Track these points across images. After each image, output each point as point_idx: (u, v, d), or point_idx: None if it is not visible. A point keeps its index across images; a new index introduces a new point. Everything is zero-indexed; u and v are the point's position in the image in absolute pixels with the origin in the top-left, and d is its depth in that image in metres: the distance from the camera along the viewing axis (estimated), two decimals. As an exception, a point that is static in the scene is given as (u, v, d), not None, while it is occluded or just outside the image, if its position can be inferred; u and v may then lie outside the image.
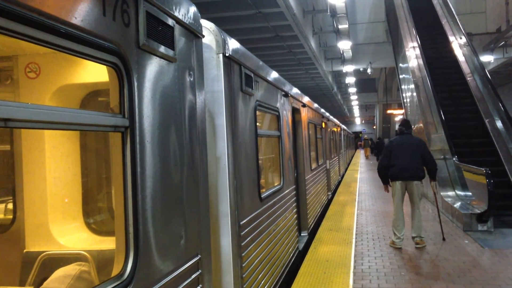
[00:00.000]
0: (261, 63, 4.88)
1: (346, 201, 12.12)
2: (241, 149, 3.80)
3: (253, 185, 4.17)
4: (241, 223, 3.66)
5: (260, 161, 4.84)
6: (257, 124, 4.39)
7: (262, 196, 4.47)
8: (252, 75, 4.20)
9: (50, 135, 2.96)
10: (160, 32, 2.33)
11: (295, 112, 7.32)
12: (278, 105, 5.57)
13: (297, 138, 7.68)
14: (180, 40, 2.59)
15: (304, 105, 8.07)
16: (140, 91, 2.12)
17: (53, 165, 2.98)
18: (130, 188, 2.02)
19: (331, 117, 16.00)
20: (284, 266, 5.46)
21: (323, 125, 12.08)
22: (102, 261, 2.86)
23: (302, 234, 7.68)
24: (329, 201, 12.13)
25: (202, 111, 2.93)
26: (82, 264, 2.72)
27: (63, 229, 3.04)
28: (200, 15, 3.19)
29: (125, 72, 2.01)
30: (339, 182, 17.42)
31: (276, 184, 5.68)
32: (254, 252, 4.05)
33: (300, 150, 7.76)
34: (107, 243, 2.97)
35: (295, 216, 6.52)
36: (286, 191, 5.85)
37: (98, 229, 3.20)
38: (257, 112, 4.43)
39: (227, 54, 3.47)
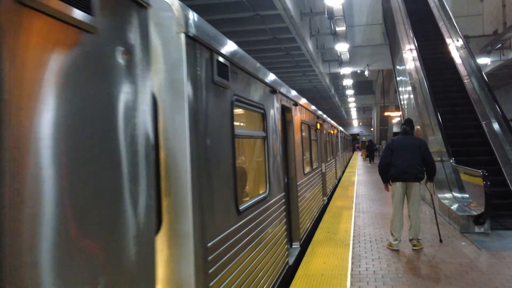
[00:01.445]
0: (241, 52, 4.16)
1: (343, 206, 11.55)
2: (211, 152, 3.11)
3: (228, 196, 3.47)
4: (209, 244, 2.95)
5: (238, 167, 4.26)
6: (235, 122, 3.74)
7: (241, 208, 3.74)
8: (228, 64, 3.55)
9: None
10: None
11: (285, 111, 6.75)
12: (263, 102, 4.91)
13: (288, 139, 6.98)
14: (106, 4, 1.86)
15: (296, 104, 7.45)
16: (19, 67, 1.38)
17: None
18: None
19: (327, 118, 15.35)
20: (271, 287, 4.79)
21: (318, 126, 11.43)
22: None
23: (293, 246, 6.97)
24: (325, 206, 11.64)
25: (148, 105, 2.19)
26: None
27: None
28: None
29: None
30: (336, 186, 16.76)
31: (260, 193, 4.87)
32: (229, 278, 3.33)
33: (292, 153, 7.02)
34: None
35: (285, 227, 5.83)
36: (273, 200, 5.14)
37: None
38: (235, 109, 3.77)
39: (191, 35, 2.81)
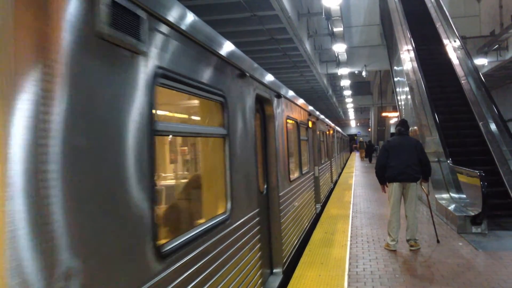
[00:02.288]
0: (183, 8, 2.84)
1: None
2: (89, 158, 1.79)
3: (135, 233, 2.09)
4: None
5: (170, 179, 3.24)
6: (160, 111, 2.55)
7: (166, 249, 2.36)
8: (143, 15, 2.22)
9: None
10: None
11: (264, 103, 5.51)
12: (222, 87, 3.50)
13: (268, 139, 5.65)
14: None
15: (279, 96, 6.05)
16: None
17: None
18: None
19: (322, 116, 13.75)
20: None
21: (310, 124, 10.05)
22: None
23: (274, 272, 5.64)
24: (319, 215, 10.41)
25: None
26: None
27: None
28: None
29: None
30: (332, 190, 15.58)
31: (215, 216, 3.37)
32: None
33: (272, 156, 5.65)
34: None
35: (259, 253, 4.47)
36: (238, 223, 3.76)
37: None
38: (160, 90, 2.42)
39: None
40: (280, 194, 5.90)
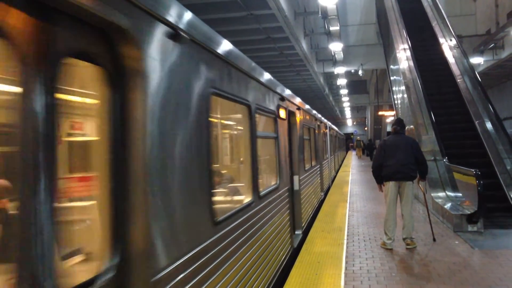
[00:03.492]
0: None
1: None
2: None
3: None
4: None
5: None
6: None
7: None
8: None
9: None
10: None
11: (115, 42, 2.02)
12: None
13: (128, 136, 2.08)
14: None
15: (175, 34, 2.53)
16: None
17: None
18: None
19: (308, 107, 10.24)
20: None
21: (284, 114, 6.55)
22: None
23: None
24: (297, 249, 7.16)
25: None
26: None
27: None
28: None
29: None
30: (322, 201, 12.33)
31: None
32: None
33: (139, 179, 2.11)
34: None
35: None
36: None
37: None
38: None
39: None
40: (156, 279, 2.21)
